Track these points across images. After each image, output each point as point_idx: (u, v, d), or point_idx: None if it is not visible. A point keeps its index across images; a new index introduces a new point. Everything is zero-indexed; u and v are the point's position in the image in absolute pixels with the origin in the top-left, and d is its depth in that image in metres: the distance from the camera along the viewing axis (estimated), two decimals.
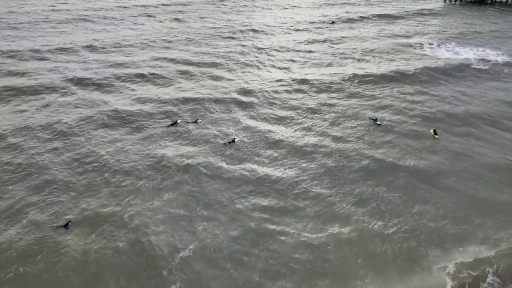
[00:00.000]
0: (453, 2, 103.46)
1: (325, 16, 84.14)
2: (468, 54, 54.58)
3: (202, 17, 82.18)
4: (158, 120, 33.33)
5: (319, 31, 68.25)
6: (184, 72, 45.81)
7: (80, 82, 42.46)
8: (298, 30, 69.49)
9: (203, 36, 63.47)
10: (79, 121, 33.13)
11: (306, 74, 45.35)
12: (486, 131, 31.59)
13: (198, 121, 32.71)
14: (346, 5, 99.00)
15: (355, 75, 44.29)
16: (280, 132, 31.41)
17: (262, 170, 26.06)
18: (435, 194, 23.67)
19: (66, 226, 20.79)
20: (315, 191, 23.94)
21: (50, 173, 25.83)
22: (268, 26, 72.88)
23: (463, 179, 25.04)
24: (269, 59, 51.23)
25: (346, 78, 43.48)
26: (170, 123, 32.56)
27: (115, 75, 44.74)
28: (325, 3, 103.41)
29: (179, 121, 32.77)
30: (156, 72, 45.78)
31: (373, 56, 52.30)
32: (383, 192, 23.76)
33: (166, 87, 41.58)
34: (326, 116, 34.24)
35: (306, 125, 32.66)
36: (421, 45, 58.60)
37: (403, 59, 51.11)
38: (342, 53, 53.69)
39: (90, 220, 21.63)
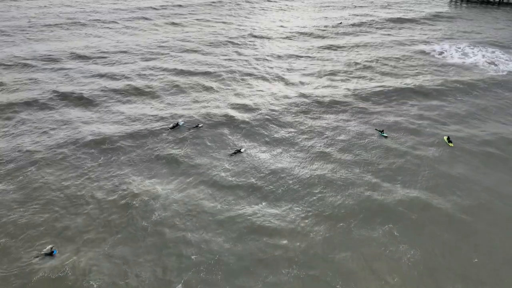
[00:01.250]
0: (458, 3, 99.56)
1: (326, 18, 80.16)
2: (480, 59, 51.25)
3: (198, 20, 78.21)
4: (142, 144, 29.37)
5: (322, 35, 64.09)
6: (177, 84, 41.68)
7: (63, 97, 38.52)
8: (300, 34, 65.39)
9: (200, 43, 59.37)
10: (52, 146, 29.18)
11: (308, 85, 41.46)
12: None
13: (199, 125, 31.20)
14: (347, 8, 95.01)
15: (362, 88, 40.42)
16: (280, 156, 27.57)
17: (259, 211, 22.21)
18: (467, 246, 19.72)
19: (51, 254, 19.05)
20: (326, 252, 19.80)
21: (11, 209, 22.16)
22: (268, 30, 68.93)
23: (498, 227, 21.14)
24: (269, 69, 47.19)
25: (351, 90, 39.63)
26: (171, 125, 31.37)
27: (101, 88, 40.74)
28: (322, 5, 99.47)
29: (181, 123, 31.49)
30: (147, 84, 41.69)
31: (381, 64, 48.30)
32: (406, 246, 19.69)
33: (156, 102, 37.55)
34: (331, 134, 30.43)
35: (308, 145, 28.83)
36: (431, 50, 54.78)
37: (413, 67, 47.20)
38: (348, 62, 49.60)
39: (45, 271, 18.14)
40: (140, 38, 62.78)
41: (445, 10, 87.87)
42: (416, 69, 46.44)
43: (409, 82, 41.77)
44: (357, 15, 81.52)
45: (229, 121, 32.66)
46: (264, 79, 43.61)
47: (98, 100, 37.58)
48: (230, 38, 61.92)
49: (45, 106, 36.55)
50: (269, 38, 62.26)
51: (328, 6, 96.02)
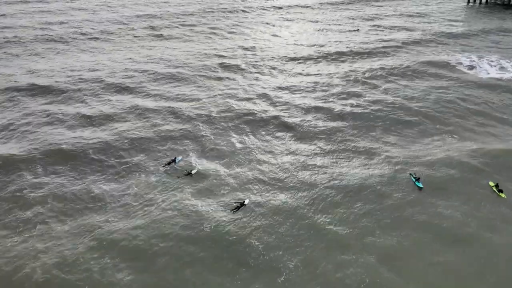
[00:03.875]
0: (476, 6, 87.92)
1: (333, 30, 68.44)
2: None
3: (190, 30, 66.19)
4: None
5: (334, 54, 51.08)
6: (147, 137, 29.72)
7: None
8: (307, 54, 52.32)
9: (185, 65, 46.70)
10: None
11: (322, 141, 29.57)
12: None
13: (192, 172, 25.03)
14: (356, 18, 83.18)
15: (403, 147, 29.06)
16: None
17: None
18: None
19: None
20: None
21: None
22: (267, 48, 56.63)
23: None
24: (270, 111, 34.17)
25: (388, 155, 28.15)
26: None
27: (38, 147, 27.93)
28: (327, 17, 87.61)
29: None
30: (103, 139, 29.27)
31: (412, 100, 36.11)
32: None
33: (116, 169, 26.00)
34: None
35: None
36: (463, 66, 44.24)
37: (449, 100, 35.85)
38: (374, 100, 36.47)
39: None
40: (114, 57, 51.03)
41: (464, 16, 76.07)
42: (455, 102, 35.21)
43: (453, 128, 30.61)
44: (372, 27, 69.63)
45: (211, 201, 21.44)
46: (262, 129, 31.30)
47: (30, 167, 25.83)
48: (221, 58, 49.83)
49: None
50: (271, 62, 48.86)
51: (333, 19, 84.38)
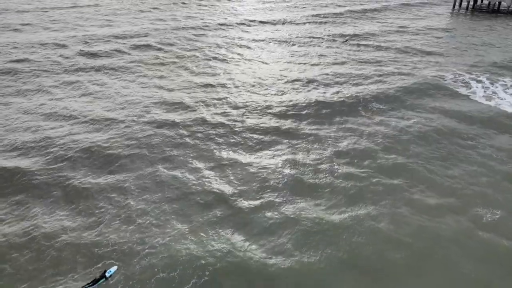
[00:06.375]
0: (463, 13, 78.19)
1: (308, 56, 55.35)
2: None
3: (135, 56, 50.94)
4: None
5: (332, 100, 37.48)
6: None
7: None
8: (292, 104, 39.31)
9: (115, 133, 30.83)
10: None
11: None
12: None
13: (107, 274, 17.39)
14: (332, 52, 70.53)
15: None
16: None
17: None
18: None
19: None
20: None
21: None
22: (234, 92, 42.91)
23: None
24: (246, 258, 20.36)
25: None
26: (93, 278, 17.32)
27: None
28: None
29: (110, 271, 17.65)
30: None
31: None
32: None
33: None
34: None
35: None
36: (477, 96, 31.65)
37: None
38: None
39: None
40: (19, 107, 35.23)
41: (456, 30, 65.01)
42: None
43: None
44: (364, 49, 56.97)
45: None
46: None
47: None
48: (166, 111, 34.17)
49: None
50: (235, 116, 35.51)
51: (316, 36, 71.40)
